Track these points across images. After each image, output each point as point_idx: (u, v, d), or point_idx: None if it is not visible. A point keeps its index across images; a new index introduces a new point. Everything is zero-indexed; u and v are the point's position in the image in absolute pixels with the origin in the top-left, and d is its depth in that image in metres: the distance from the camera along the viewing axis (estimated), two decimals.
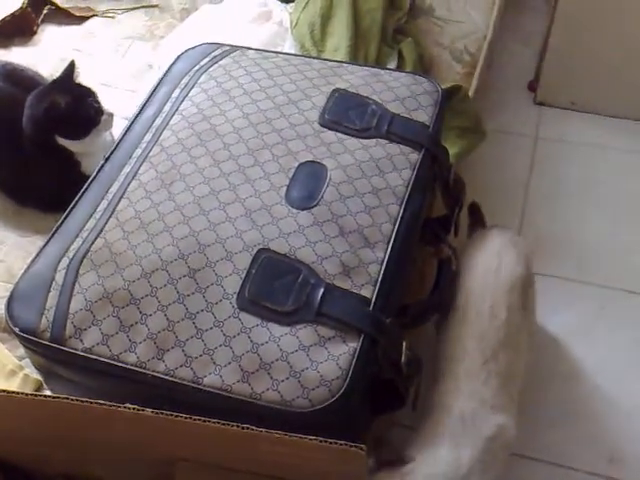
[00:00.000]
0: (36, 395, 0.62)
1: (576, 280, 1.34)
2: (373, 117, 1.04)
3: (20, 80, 1.27)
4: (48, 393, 1.00)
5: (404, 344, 0.86)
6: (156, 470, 0.69)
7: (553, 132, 1.60)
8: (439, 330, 0.98)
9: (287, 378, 0.79)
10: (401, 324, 0.90)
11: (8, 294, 0.90)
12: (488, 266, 0.96)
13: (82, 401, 0.61)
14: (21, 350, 1.07)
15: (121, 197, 0.95)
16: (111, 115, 1.19)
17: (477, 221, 1.12)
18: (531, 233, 1.40)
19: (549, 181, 1.51)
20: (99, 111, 1.17)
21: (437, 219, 1.11)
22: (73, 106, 1.15)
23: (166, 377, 0.81)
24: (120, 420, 0.62)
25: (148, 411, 0.60)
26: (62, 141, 1.18)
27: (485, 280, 0.95)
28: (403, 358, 0.85)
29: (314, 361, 0.80)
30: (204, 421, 0.59)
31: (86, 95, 1.17)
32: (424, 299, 0.97)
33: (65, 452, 0.71)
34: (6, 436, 0.71)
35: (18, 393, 0.62)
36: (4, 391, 0.63)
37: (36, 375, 1.03)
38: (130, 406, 0.61)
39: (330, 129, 1.02)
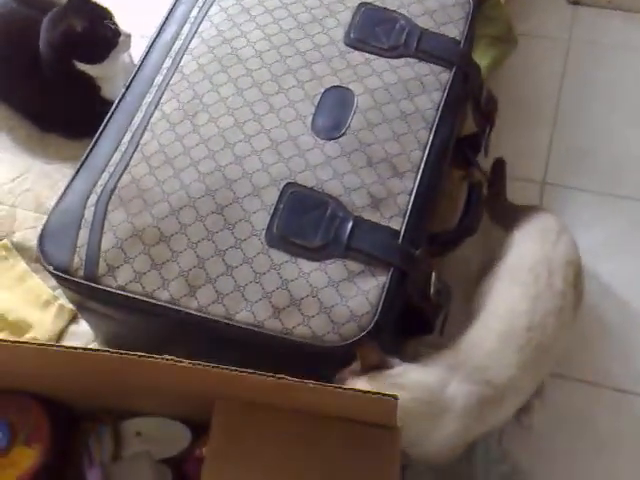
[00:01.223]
0: (85, 349, 0.64)
1: (607, 194, 1.30)
2: (401, 34, 0.99)
3: (34, 1, 1.22)
4: (84, 325, 1.03)
5: (433, 275, 0.86)
6: (195, 404, 0.72)
7: (588, 34, 1.49)
8: (482, 275, 0.94)
9: (317, 314, 0.80)
10: (430, 253, 0.89)
11: (40, 228, 0.90)
12: (546, 238, 0.91)
13: (125, 354, 0.62)
14: (54, 280, 1.09)
15: (145, 129, 0.93)
16: (128, 36, 1.15)
17: (499, 178, 1.07)
18: (562, 144, 1.35)
19: (582, 88, 1.44)
20: (116, 33, 1.13)
21: (466, 138, 1.08)
22: (89, 29, 1.11)
23: (199, 314, 0.82)
24: (161, 370, 0.64)
25: (186, 362, 0.61)
26: (80, 65, 1.15)
27: (543, 248, 0.89)
28: (432, 289, 0.86)
29: (344, 296, 0.81)
30: (241, 372, 0.60)
31: (102, 16, 1.13)
32: (453, 228, 0.96)
33: (108, 392, 0.75)
34: (53, 380, 0.74)
35: (68, 347, 0.64)
36: (57, 345, 0.65)
37: (71, 305, 1.06)
38: (169, 357, 0.63)
39: (356, 49, 0.97)
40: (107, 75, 1.17)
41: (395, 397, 0.59)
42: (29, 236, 1.15)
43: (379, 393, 0.59)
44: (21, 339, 1.05)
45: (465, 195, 0.99)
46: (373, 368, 0.76)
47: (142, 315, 0.86)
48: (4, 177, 1.22)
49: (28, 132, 1.28)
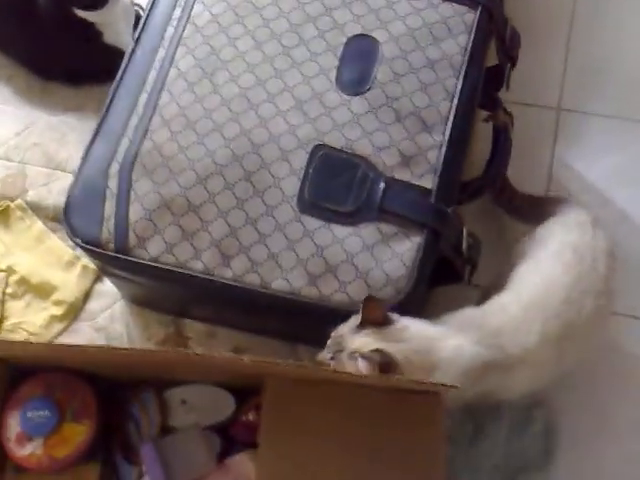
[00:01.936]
0: (142, 350, 0.64)
1: (625, 118, 1.27)
2: None
3: None
4: (109, 284, 1.03)
5: (465, 230, 0.86)
6: (244, 381, 0.74)
7: None
8: (520, 246, 0.92)
9: (354, 279, 0.81)
10: (458, 202, 0.89)
11: (64, 201, 0.88)
12: (584, 230, 0.88)
13: (183, 353, 0.63)
14: None
15: (161, 89, 0.90)
16: None
17: (506, 189, 1.03)
18: (576, 67, 1.30)
19: (596, 4, 1.38)
20: None
21: (487, 73, 1.03)
22: None
23: (234, 283, 0.82)
24: (215, 363, 0.64)
25: (246, 359, 0.61)
26: (80, 12, 1.09)
27: (583, 238, 0.86)
28: (464, 244, 0.85)
29: (379, 260, 0.81)
30: (296, 365, 0.61)
31: None
32: (482, 176, 0.94)
33: (153, 370, 0.75)
34: (99, 365, 0.75)
35: (125, 349, 0.64)
36: (106, 347, 0.65)
37: (93, 265, 1.05)
38: (228, 355, 0.63)
39: None
40: (108, 20, 1.12)
41: (450, 386, 0.59)
42: (43, 194, 1.13)
43: (426, 391, 0.59)
44: (48, 303, 1.05)
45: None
46: (373, 324, 0.75)
47: (176, 285, 0.85)
48: (8, 131, 1.18)
49: (28, 81, 1.23)
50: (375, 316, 0.75)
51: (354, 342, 0.73)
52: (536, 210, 0.96)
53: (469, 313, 0.81)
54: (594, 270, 0.83)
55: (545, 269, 0.84)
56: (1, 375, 0.76)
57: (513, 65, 1.03)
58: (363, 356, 0.71)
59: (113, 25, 1.12)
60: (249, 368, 0.62)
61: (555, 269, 0.83)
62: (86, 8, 1.08)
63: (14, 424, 0.76)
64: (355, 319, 0.76)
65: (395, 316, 0.76)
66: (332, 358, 0.74)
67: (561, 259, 0.84)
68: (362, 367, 0.70)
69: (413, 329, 0.76)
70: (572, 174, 1.22)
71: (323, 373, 0.61)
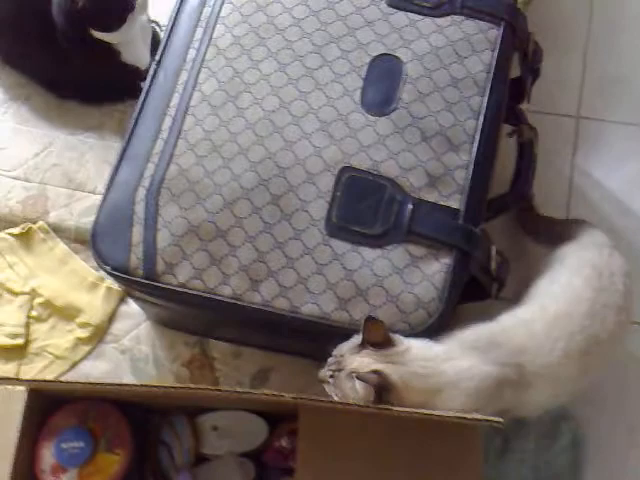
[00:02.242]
0: (179, 387, 0.63)
1: None
2: None
3: None
4: (134, 305, 1.03)
5: (493, 249, 0.86)
6: (276, 407, 0.74)
7: None
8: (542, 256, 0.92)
9: (384, 303, 0.80)
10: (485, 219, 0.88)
11: (91, 227, 0.88)
12: (602, 251, 0.88)
13: (217, 390, 0.63)
14: None
15: (185, 113, 0.89)
16: (145, 1, 1.08)
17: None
18: (595, 74, 1.30)
19: (613, 13, 1.37)
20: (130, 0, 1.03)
21: (509, 84, 1.03)
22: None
23: (263, 308, 0.82)
24: (250, 398, 0.64)
25: (287, 396, 0.61)
26: (96, 33, 1.08)
27: (601, 258, 0.86)
28: (493, 264, 0.85)
29: (409, 283, 0.81)
30: (332, 403, 0.61)
31: None
32: (507, 193, 0.94)
33: (185, 399, 0.75)
34: (132, 395, 0.75)
35: (164, 386, 0.64)
36: (143, 385, 0.65)
37: (117, 285, 1.05)
38: (268, 392, 0.62)
39: (399, 9, 0.92)
40: (125, 40, 1.11)
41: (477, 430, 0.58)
42: (64, 215, 1.13)
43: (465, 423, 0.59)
44: (73, 325, 1.05)
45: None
46: (375, 344, 0.74)
47: (204, 310, 0.85)
48: (27, 152, 1.18)
49: (46, 101, 1.22)
50: (376, 336, 0.74)
51: (353, 362, 0.73)
52: (555, 232, 0.96)
53: (485, 330, 0.80)
54: (613, 284, 0.83)
55: (566, 284, 0.84)
56: (35, 407, 0.75)
57: (535, 79, 1.03)
58: (359, 377, 0.70)
59: (131, 44, 1.12)
60: (289, 404, 0.62)
61: (576, 284, 0.83)
62: (103, 29, 1.08)
63: (48, 455, 0.76)
64: (356, 338, 0.75)
65: (397, 337, 0.76)
66: (331, 376, 0.74)
67: (581, 274, 0.84)
68: (358, 388, 0.69)
69: (415, 351, 0.75)
70: (592, 182, 1.22)
71: (363, 410, 0.61)
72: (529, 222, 1.03)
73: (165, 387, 0.63)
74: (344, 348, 0.75)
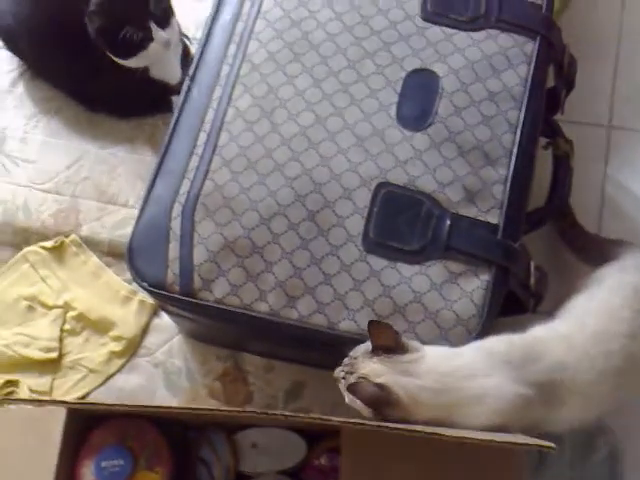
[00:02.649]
0: (220, 410, 0.63)
1: None
2: (480, 2, 0.92)
3: None
4: (167, 318, 1.03)
5: (532, 264, 0.85)
6: (315, 425, 0.73)
7: None
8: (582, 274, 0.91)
9: (423, 320, 0.80)
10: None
11: (127, 243, 0.88)
12: None
13: (263, 412, 0.62)
14: (129, 273, 1.08)
15: (220, 129, 0.89)
16: (165, 43, 1.03)
17: (567, 214, 1.03)
18: (626, 83, 1.28)
19: None
20: (147, 37, 1.01)
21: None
22: (111, 29, 1.00)
23: (300, 324, 0.82)
24: (296, 421, 0.64)
25: (335, 420, 0.61)
26: (117, 60, 1.07)
27: None
28: (532, 279, 0.84)
29: (448, 300, 0.80)
30: (375, 426, 0.60)
31: (137, 14, 0.99)
32: (544, 206, 0.93)
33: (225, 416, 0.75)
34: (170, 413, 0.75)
35: (199, 409, 0.64)
36: (188, 407, 0.65)
37: (150, 299, 1.05)
38: (313, 416, 0.62)
39: (435, 23, 0.91)
40: (150, 62, 1.10)
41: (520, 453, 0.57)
42: (97, 228, 1.14)
43: (526, 443, 0.58)
44: (107, 339, 1.06)
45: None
46: (386, 350, 0.72)
47: (240, 326, 0.85)
48: (58, 165, 1.19)
49: (76, 114, 1.23)
50: (385, 340, 0.72)
51: (365, 367, 0.71)
52: (599, 251, 0.95)
53: (518, 342, 0.76)
54: None
55: (605, 302, 0.82)
56: (74, 425, 0.75)
57: (569, 91, 1.02)
58: (357, 391, 0.69)
59: (159, 62, 1.11)
60: (333, 425, 0.62)
61: (615, 303, 0.82)
62: (115, 56, 1.05)
63: (88, 474, 0.76)
64: (368, 342, 0.73)
65: (413, 343, 0.73)
66: (343, 378, 0.73)
67: (620, 295, 0.82)
68: (357, 403, 0.69)
69: (430, 361, 0.72)
70: (625, 193, 1.20)
71: (411, 434, 0.60)
72: (573, 238, 1.02)
73: (211, 410, 0.62)
74: (360, 349, 0.74)
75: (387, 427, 0.58)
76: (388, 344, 0.72)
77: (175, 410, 0.68)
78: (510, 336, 0.77)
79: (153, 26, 1.00)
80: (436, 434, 0.56)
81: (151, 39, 1.02)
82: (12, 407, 0.86)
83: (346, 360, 0.74)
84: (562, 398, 0.74)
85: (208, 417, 0.76)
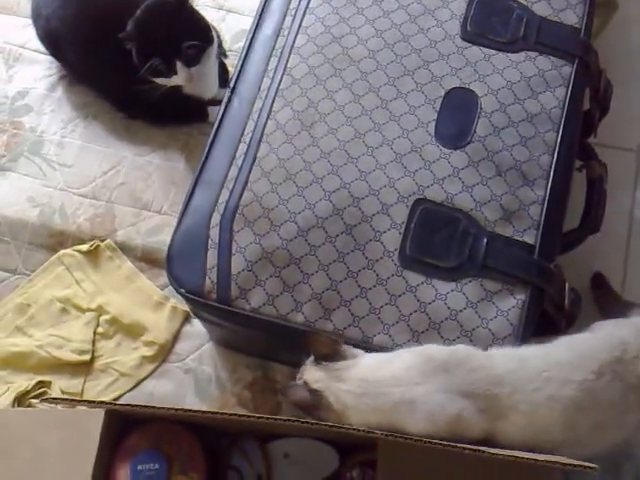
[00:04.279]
0: (258, 416, 0.64)
1: None
2: (519, 24, 0.94)
3: None
4: (198, 325, 1.04)
5: (567, 286, 0.85)
6: (348, 437, 0.74)
7: None
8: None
9: (458, 337, 0.80)
10: None
11: (167, 250, 0.90)
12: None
13: (306, 422, 0.63)
14: (162, 279, 1.10)
15: (260, 140, 0.91)
16: (189, 77, 1.03)
17: (603, 287, 1.05)
18: None
19: None
20: (171, 68, 1.02)
21: None
22: (139, 54, 1.02)
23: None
24: (324, 430, 0.65)
25: (379, 433, 0.61)
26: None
27: (637, 336, 0.81)
28: (567, 301, 0.85)
29: (484, 318, 0.81)
30: (413, 440, 0.60)
31: (169, 39, 1.00)
32: (577, 228, 0.93)
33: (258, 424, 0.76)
34: (204, 419, 0.76)
35: (245, 415, 0.65)
36: (229, 414, 0.66)
37: (182, 305, 1.07)
38: (352, 427, 0.63)
39: (474, 44, 0.93)
40: (184, 82, 1.09)
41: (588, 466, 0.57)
42: (131, 234, 1.15)
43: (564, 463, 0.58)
44: (139, 343, 1.07)
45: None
46: (325, 357, 0.76)
47: (275, 335, 0.86)
48: (95, 170, 1.21)
49: (113, 120, 1.25)
50: (322, 350, 0.76)
51: (307, 373, 0.76)
52: (621, 313, 0.92)
53: (463, 352, 0.76)
54: (634, 365, 0.77)
55: (586, 341, 0.80)
56: (112, 427, 0.77)
57: (603, 114, 1.03)
58: (286, 393, 0.74)
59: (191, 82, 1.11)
60: (362, 437, 0.62)
61: (596, 345, 0.79)
62: (151, 75, 1.05)
63: (124, 476, 0.77)
64: (311, 357, 0.78)
65: (353, 350, 0.77)
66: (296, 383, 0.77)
67: (605, 340, 0.80)
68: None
69: (359, 369, 0.75)
70: None
71: (436, 447, 0.61)
72: (605, 304, 1.04)
73: (249, 416, 0.63)
74: (310, 358, 0.78)
75: (425, 441, 0.58)
76: (326, 352, 0.76)
77: (213, 415, 0.68)
78: (459, 345, 0.78)
79: (179, 64, 1.01)
80: (479, 450, 0.57)
81: (174, 73, 1.02)
82: (50, 407, 0.87)
83: (302, 367, 0.78)
84: (501, 412, 0.73)
85: (243, 424, 0.77)
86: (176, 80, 1.04)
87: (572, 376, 0.75)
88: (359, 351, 0.77)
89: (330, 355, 0.76)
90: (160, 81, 1.06)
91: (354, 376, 0.74)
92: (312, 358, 0.77)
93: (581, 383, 0.74)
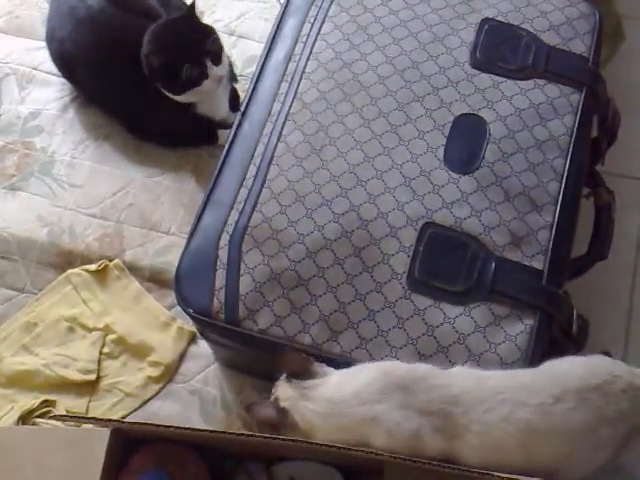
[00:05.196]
0: (258, 436, 0.64)
1: None
2: (528, 53, 0.95)
3: (134, 6, 1.17)
4: (204, 346, 1.04)
5: (575, 312, 0.85)
6: (353, 460, 0.73)
7: None
8: None
9: (466, 361, 0.80)
10: None
11: (175, 270, 0.91)
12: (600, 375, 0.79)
13: (314, 443, 0.63)
14: (169, 299, 1.10)
15: (270, 163, 0.92)
16: (219, 79, 1.06)
17: None
18: None
19: None
20: (202, 75, 1.04)
21: None
22: (168, 66, 1.04)
23: (342, 359, 0.82)
24: (330, 451, 0.64)
25: (387, 456, 0.61)
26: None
27: (612, 382, 0.77)
28: (574, 327, 0.85)
29: (492, 342, 0.81)
30: (416, 461, 0.60)
31: (195, 49, 1.03)
32: (584, 255, 0.94)
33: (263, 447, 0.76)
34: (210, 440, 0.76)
35: (244, 434, 0.65)
36: (231, 433, 0.66)
37: (188, 326, 1.07)
38: (362, 449, 0.63)
39: (483, 71, 0.94)
40: (198, 99, 1.12)
41: None
42: (139, 254, 1.16)
43: None
44: (144, 364, 1.07)
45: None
46: (296, 375, 0.77)
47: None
48: (105, 191, 1.22)
49: (124, 141, 1.26)
50: (291, 367, 0.77)
51: (279, 391, 0.77)
52: None
53: (423, 370, 0.76)
54: (618, 399, 0.74)
55: (551, 367, 0.78)
56: (117, 447, 0.76)
57: (611, 143, 1.03)
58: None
59: (208, 99, 1.13)
60: (366, 458, 0.62)
61: (561, 369, 0.77)
62: (167, 91, 1.08)
63: None
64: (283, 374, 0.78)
65: (324, 369, 0.78)
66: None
67: (585, 368, 0.77)
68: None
69: (325, 388, 0.75)
70: None
71: (446, 470, 0.60)
72: None
73: (265, 437, 0.63)
74: (283, 374, 0.78)
75: (433, 464, 0.58)
76: (296, 370, 0.77)
77: (220, 435, 0.68)
78: (419, 364, 0.78)
79: (209, 63, 1.04)
80: (488, 474, 0.57)
81: (206, 76, 1.05)
82: (55, 425, 0.87)
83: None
84: (457, 432, 0.72)
85: (249, 446, 0.76)
86: (208, 86, 1.06)
87: (529, 399, 0.73)
88: (329, 369, 0.78)
89: (301, 373, 0.77)
90: (186, 97, 1.08)
91: (321, 395, 0.75)
92: (285, 375, 0.78)
93: (537, 406, 0.72)
